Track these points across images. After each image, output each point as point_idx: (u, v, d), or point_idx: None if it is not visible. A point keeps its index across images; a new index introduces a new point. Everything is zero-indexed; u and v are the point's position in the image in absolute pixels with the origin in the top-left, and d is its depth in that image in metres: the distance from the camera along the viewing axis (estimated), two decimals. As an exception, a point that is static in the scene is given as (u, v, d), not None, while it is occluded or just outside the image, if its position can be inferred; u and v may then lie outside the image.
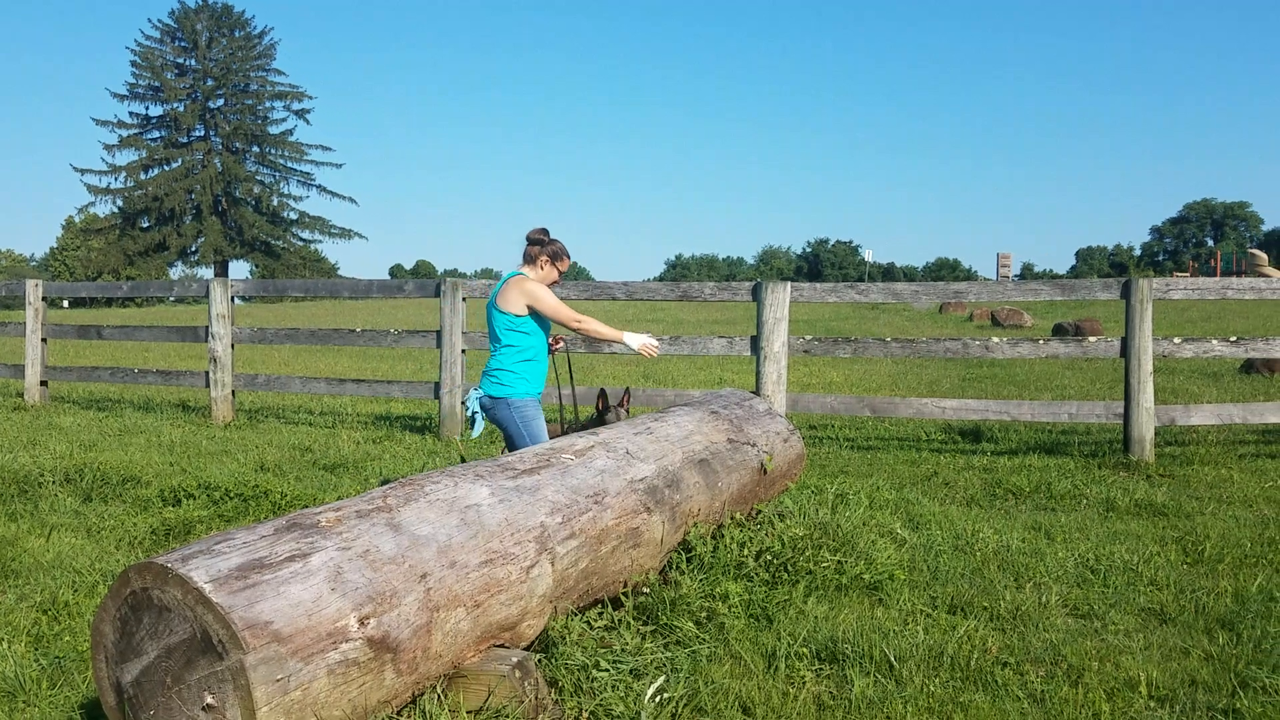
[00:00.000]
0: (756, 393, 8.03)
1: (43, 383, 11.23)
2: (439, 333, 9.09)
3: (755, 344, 8.33)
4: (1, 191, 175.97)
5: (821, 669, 3.62)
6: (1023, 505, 6.51)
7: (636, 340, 5.29)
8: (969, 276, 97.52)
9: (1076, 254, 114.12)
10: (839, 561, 4.57)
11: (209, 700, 2.46)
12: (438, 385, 9.10)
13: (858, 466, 7.70)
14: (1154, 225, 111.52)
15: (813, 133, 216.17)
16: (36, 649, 3.81)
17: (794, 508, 5.28)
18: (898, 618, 4.12)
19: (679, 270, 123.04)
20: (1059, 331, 21.67)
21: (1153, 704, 3.37)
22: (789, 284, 8.37)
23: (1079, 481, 6.98)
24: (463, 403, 6.75)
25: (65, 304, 45.86)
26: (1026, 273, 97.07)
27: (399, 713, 2.89)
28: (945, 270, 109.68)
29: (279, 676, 2.45)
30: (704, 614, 3.96)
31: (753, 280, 8.68)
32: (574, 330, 5.22)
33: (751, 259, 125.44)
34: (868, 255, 71.01)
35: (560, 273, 5.42)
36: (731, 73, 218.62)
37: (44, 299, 11.31)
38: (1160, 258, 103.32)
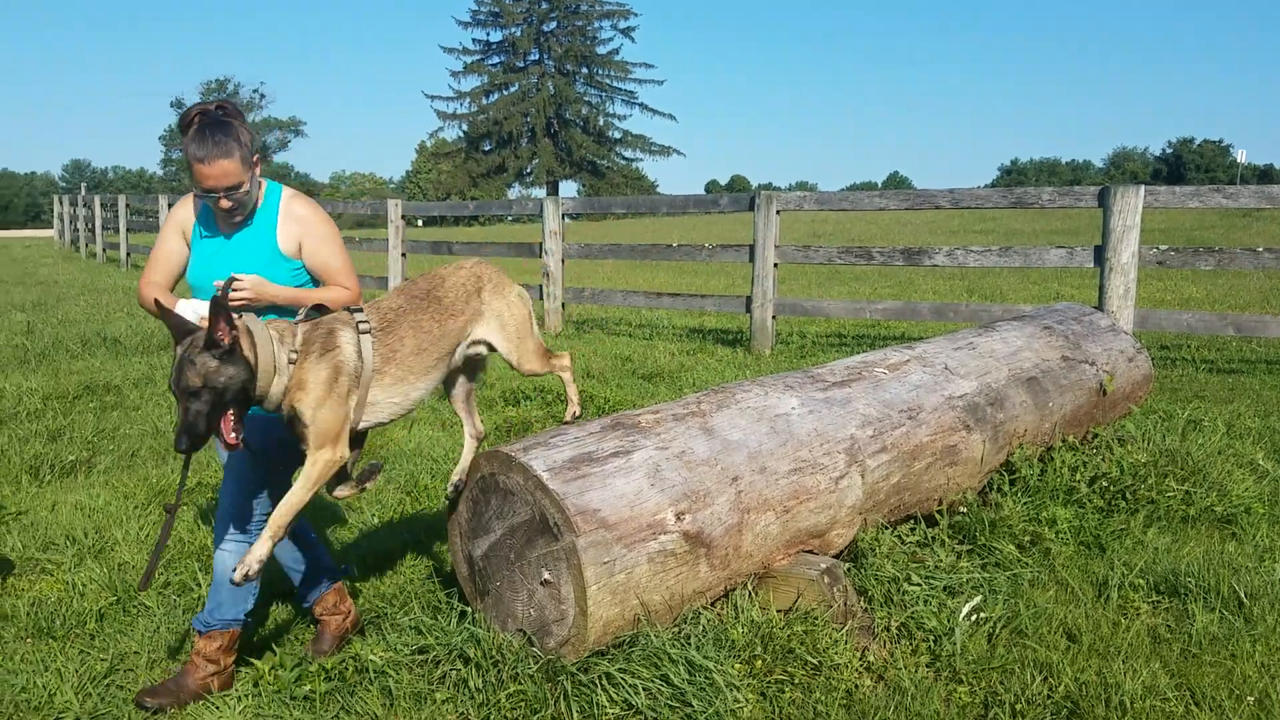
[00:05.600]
0: (1099, 308, 7.36)
1: (405, 294, 12.61)
2: (752, 247, 9.14)
3: (1099, 254, 7.61)
4: (365, 120, 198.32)
5: (1159, 601, 3.39)
6: None
7: (187, 306, 2.93)
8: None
9: None
10: (1186, 492, 4.18)
11: (546, 576, 2.71)
12: (749, 300, 9.19)
13: (1215, 391, 6.89)
14: None
15: (1172, 14, 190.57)
16: (401, 525, 4.37)
17: (1137, 432, 4.84)
18: (1252, 554, 3.76)
19: (1014, 176, 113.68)
20: None
21: None
22: (1142, 187, 7.52)
23: None
24: None
25: (420, 223, 51.10)
26: None
27: (712, 604, 3.02)
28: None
29: (605, 560, 2.65)
30: (1027, 538, 3.78)
31: (1099, 185, 7.88)
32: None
33: (1100, 162, 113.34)
34: (1240, 156, 61.78)
35: (200, 186, 2.94)
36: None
37: (403, 217, 12.64)
38: None
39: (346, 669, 2.93)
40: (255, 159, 2.99)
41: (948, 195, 8.38)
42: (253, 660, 3.03)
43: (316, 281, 3.15)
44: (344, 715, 2.77)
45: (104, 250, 23.52)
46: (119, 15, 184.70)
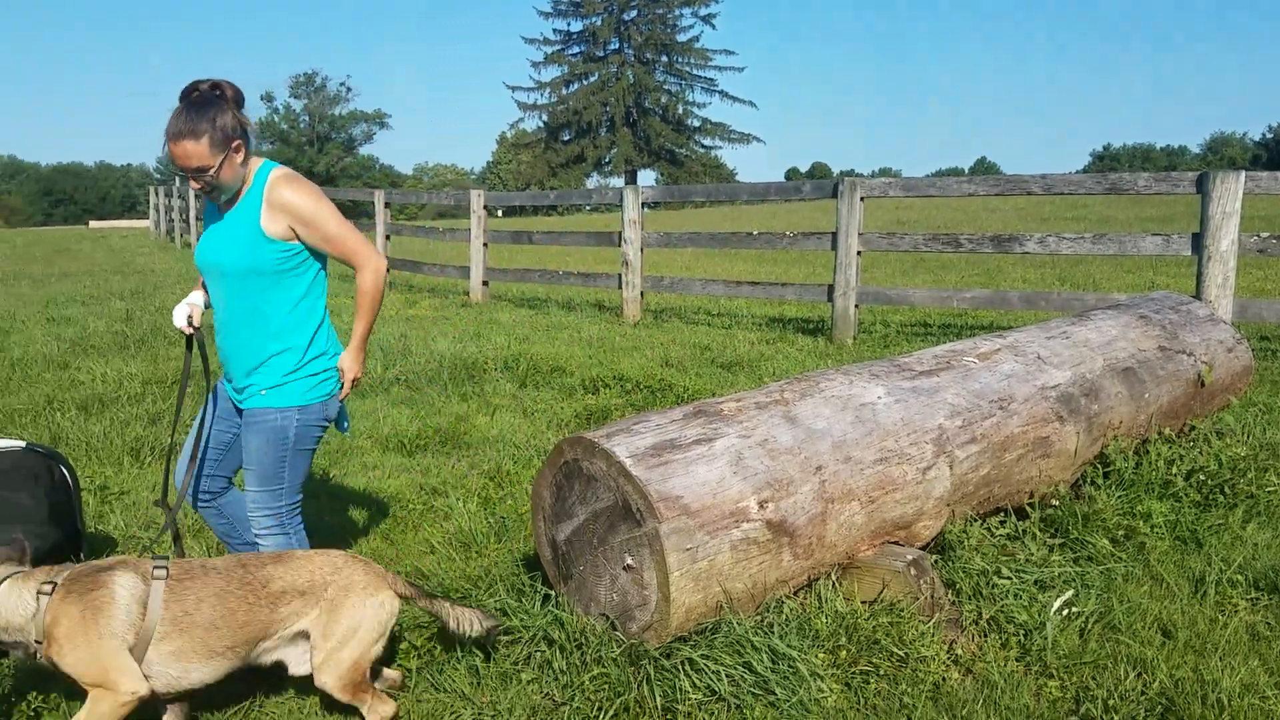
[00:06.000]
0: (1196, 297, 7.09)
1: (484, 282, 12.79)
2: (834, 234, 9.03)
3: (1197, 242, 7.33)
4: (448, 112, 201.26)
5: (1258, 598, 3.29)
6: None
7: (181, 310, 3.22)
8: None
9: None
10: (1291, 488, 4.00)
11: (629, 561, 2.73)
12: (830, 288, 9.08)
13: (1322, 384, 6.58)
14: None
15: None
16: (485, 509, 4.44)
17: (1236, 425, 4.66)
18: (1361, 553, 3.57)
19: (1107, 162, 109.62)
20: None
21: None
22: (1242, 173, 7.22)
23: None
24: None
25: (499, 213, 51.62)
26: None
27: (795, 594, 3.00)
28: None
29: (688, 546, 2.65)
30: (1121, 532, 3.67)
31: (1197, 171, 7.58)
32: None
33: (1196, 148, 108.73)
34: (1349, 137, 58.62)
35: (172, 164, 3.00)
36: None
37: (484, 208, 12.79)
38: None
39: (435, 648, 3.00)
40: (236, 144, 2.89)
41: (1040, 181, 8.15)
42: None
43: (324, 259, 3.12)
44: (433, 691, 2.83)
45: (197, 240, 24.32)
46: (209, 10, 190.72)
